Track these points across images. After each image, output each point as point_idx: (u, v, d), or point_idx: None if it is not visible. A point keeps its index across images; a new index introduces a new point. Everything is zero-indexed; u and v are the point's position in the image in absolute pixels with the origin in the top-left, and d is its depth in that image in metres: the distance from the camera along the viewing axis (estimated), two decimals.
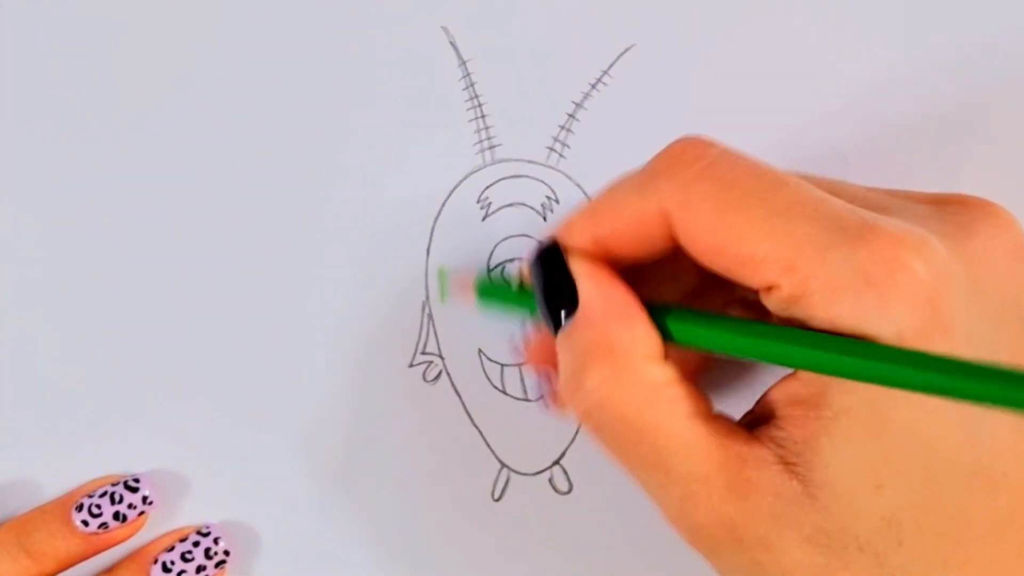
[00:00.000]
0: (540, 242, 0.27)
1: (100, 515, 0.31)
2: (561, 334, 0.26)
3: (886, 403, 0.23)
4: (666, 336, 0.26)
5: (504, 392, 0.33)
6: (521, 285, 0.29)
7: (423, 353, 0.33)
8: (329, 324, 0.33)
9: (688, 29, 0.32)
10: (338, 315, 0.33)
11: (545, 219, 0.33)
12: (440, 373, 0.33)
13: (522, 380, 0.33)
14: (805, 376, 0.24)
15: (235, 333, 0.33)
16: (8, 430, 0.32)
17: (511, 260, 0.33)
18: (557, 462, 0.33)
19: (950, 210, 0.26)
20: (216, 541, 0.32)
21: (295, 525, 0.33)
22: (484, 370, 0.33)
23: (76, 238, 0.33)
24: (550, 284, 0.27)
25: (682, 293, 0.29)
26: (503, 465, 0.33)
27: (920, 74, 0.32)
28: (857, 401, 0.23)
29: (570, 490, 0.33)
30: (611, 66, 0.32)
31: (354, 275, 0.33)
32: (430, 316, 0.33)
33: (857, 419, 0.23)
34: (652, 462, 0.25)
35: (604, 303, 0.26)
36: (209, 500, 0.33)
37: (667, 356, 0.26)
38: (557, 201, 0.33)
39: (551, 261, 0.27)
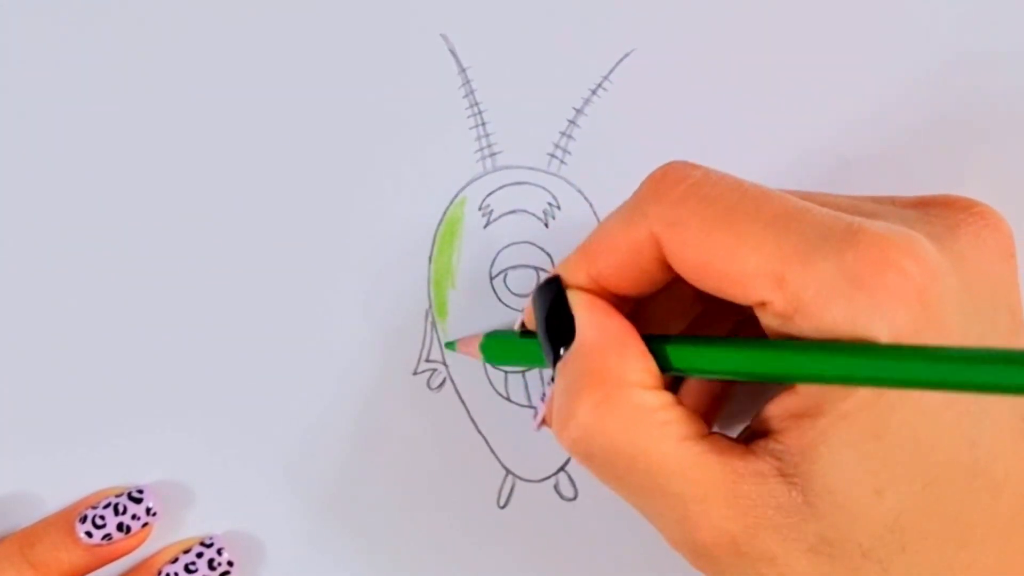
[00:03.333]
0: (541, 279, 0.27)
1: (104, 527, 0.31)
2: (558, 366, 0.26)
3: (882, 407, 0.23)
4: (666, 365, 0.25)
5: (508, 399, 0.33)
6: (524, 333, 0.29)
7: (427, 361, 0.33)
8: (332, 333, 0.33)
9: (687, 34, 0.32)
10: (341, 324, 0.33)
11: (547, 225, 0.33)
12: (444, 380, 0.33)
13: (526, 387, 0.33)
14: (803, 390, 0.24)
15: (239, 343, 0.33)
16: (11, 441, 0.32)
17: (513, 267, 0.33)
18: (562, 468, 0.33)
19: (935, 212, 0.25)
20: (220, 552, 0.32)
21: (299, 535, 0.33)
22: (488, 377, 0.33)
23: (81, 250, 0.32)
24: (550, 319, 0.27)
25: (686, 324, 0.29)
26: (508, 472, 0.33)
27: (921, 77, 0.32)
28: (854, 407, 0.23)
29: (575, 496, 0.33)
30: (611, 71, 0.32)
31: (357, 284, 0.33)
32: (433, 324, 0.33)
33: (854, 425, 0.23)
34: (647, 487, 0.25)
35: (598, 333, 0.26)
36: (213, 511, 0.32)
37: (665, 384, 0.25)
38: (559, 207, 0.33)
39: (551, 296, 0.27)
